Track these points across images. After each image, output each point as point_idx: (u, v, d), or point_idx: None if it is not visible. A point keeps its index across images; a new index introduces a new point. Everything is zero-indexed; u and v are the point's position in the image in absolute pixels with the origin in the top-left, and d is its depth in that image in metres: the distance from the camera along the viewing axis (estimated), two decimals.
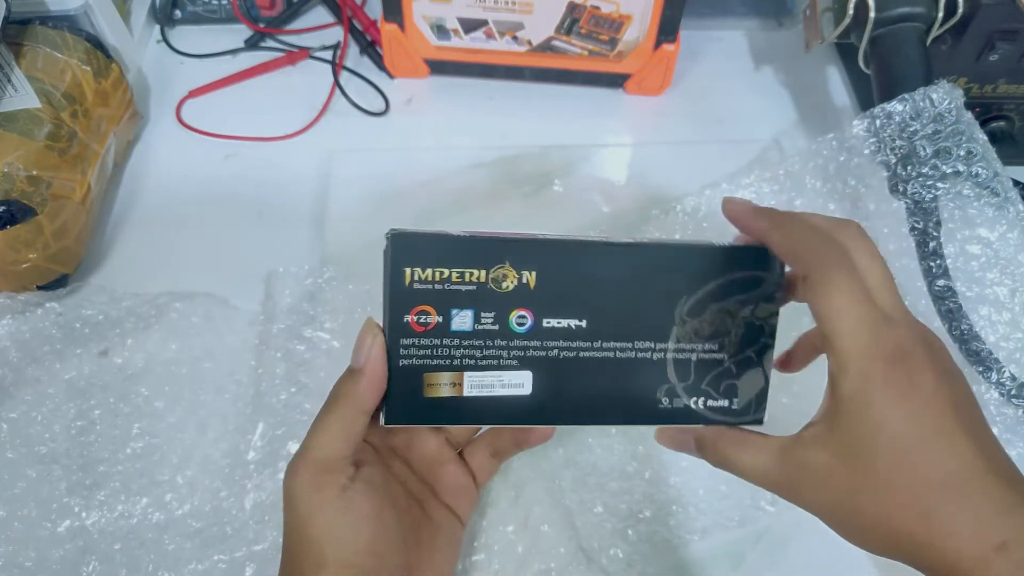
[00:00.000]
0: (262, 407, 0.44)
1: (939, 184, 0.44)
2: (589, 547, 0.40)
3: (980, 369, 0.43)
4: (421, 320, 0.30)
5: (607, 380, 0.32)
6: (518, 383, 0.31)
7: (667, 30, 0.55)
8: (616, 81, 0.60)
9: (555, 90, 0.60)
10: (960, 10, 0.46)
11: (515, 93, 0.60)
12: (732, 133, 0.59)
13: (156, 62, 0.62)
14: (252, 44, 0.63)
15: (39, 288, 0.48)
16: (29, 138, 0.45)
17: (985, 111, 0.54)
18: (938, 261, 0.43)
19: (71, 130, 0.48)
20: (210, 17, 0.64)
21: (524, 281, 0.31)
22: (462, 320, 0.30)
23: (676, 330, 0.32)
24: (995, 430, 0.43)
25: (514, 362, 0.31)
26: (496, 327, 0.31)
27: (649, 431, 0.43)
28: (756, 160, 0.55)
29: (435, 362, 0.30)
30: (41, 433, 0.43)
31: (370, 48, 0.63)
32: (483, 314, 0.30)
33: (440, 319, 0.30)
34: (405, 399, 0.31)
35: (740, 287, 0.32)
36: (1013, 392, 0.42)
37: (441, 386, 0.30)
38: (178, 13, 0.64)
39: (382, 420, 0.31)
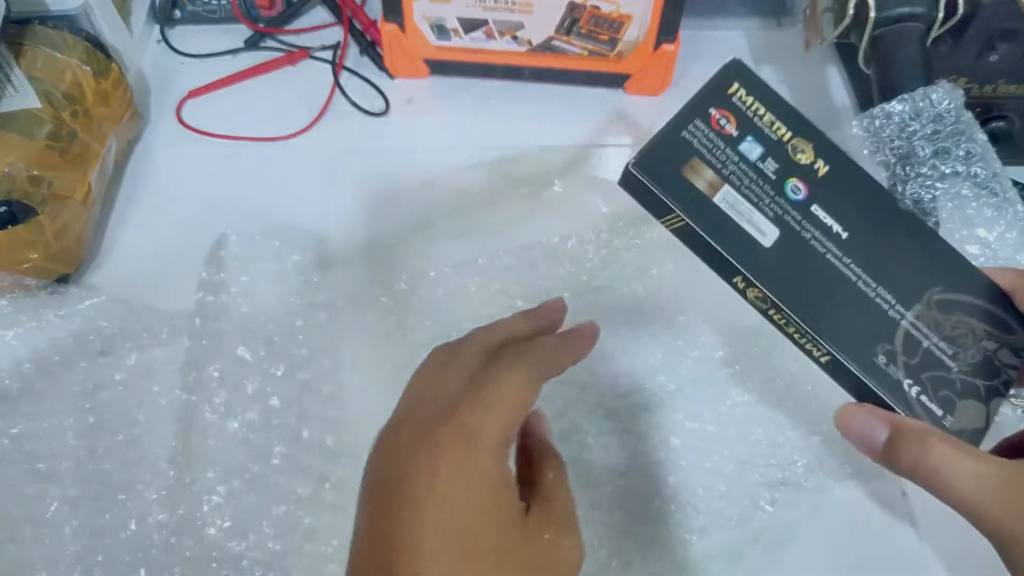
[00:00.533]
0: (264, 426, 0.43)
1: (938, 184, 0.44)
2: (588, 546, 0.40)
3: None
4: (720, 120, 0.32)
5: (839, 296, 0.31)
6: (764, 231, 0.31)
7: (667, 30, 0.55)
8: (616, 81, 0.60)
9: (555, 90, 0.60)
10: (960, 10, 0.46)
11: (515, 93, 0.60)
12: None
13: (156, 62, 0.62)
14: (252, 44, 0.63)
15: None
16: (30, 138, 0.45)
17: (985, 111, 0.54)
18: None
19: (72, 130, 0.48)
20: (210, 17, 0.64)
21: (816, 166, 0.33)
22: (750, 148, 0.32)
23: (920, 308, 0.31)
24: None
25: (770, 213, 0.32)
26: (773, 177, 0.32)
27: (647, 430, 0.44)
28: None
29: (708, 157, 0.32)
30: (43, 449, 0.43)
31: (370, 48, 0.63)
32: (769, 159, 0.32)
33: (735, 133, 0.32)
34: (665, 160, 0.32)
35: (992, 321, 0.32)
36: (1012, 392, 0.42)
37: (700, 177, 0.32)
38: (178, 13, 0.64)
39: (630, 162, 0.32)
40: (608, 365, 0.46)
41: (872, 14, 0.47)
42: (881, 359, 0.30)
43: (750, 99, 0.33)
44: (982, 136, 0.45)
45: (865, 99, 0.58)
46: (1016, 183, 0.49)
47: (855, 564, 0.41)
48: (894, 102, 0.45)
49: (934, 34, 0.47)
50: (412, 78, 0.61)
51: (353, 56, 0.63)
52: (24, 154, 0.45)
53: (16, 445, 0.43)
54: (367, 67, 0.62)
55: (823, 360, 0.31)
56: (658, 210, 0.32)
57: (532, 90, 0.61)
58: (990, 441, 0.31)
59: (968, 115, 0.45)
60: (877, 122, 0.46)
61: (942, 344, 0.31)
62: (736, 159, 0.32)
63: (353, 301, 0.48)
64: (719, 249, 0.31)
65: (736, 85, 0.33)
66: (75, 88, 0.49)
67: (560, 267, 0.49)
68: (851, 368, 0.30)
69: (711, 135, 0.32)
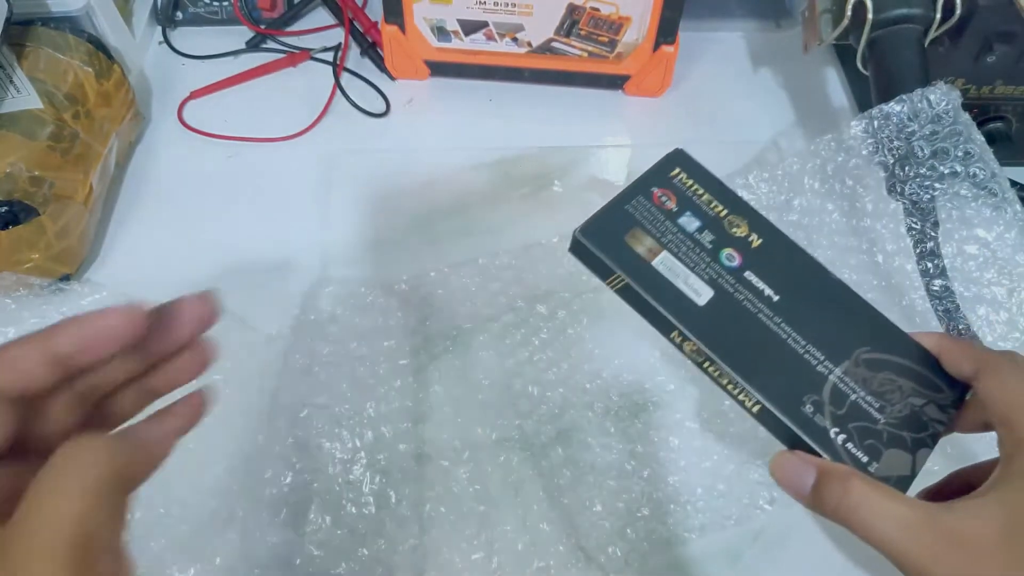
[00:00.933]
0: (271, 424, 0.43)
1: (937, 184, 0.44)
2: (587, 545, 0.40)
3: None
4: (661, 197, 0.36)
5: (769, 351, 0.33)
6: (699, 291, 0.34)
7: (666, 32, 0.55)
8: (615, 82, 0.60)
9: (555, 91, 0.61)
10: (958, 12, 0.46)
11: (515, 94, 0.61)
12: (731, 134, 0.59)
13: (158, 63, 0.63)
14: (253, 45, 0.63)
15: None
16: (31, 139, 0.45)
17: (982, 112, 0.54)
18: (936, 261, 0.43)
19: (73, 131, 0.48)
20: (211, 19, 0.64)
21: (750, 239, 0.36)
22: (689, 221, 0.36)
23: (848, 365, 0.33)
24: None
25: (705, 276, 0.34)
26: (709, 246, 0.35)
27: (647, 430, 0.44)
28: (754, 161, 0.55)
29: (649, 227, 0.35)
30: None
31: (371, 49, 0.63)
32: (706, 231, 0.36)
33: (674, 209, 0.36)
34: (609, 229, 0.35)
35: (919, 380, 0.34)
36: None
37: (640, 244, 0.35)
38: (180, 15, 0.64)
39: (577, 229, 0.35)
40: (608, 365, 0.46)
41: (870, 16, 0.47)
42: (808, 408, 0.32)
43: (690, 181, 0.37)
44: (980, 137, 0.45)
45: (863, 100, 0.58)
46: (1014, 183, 0.49)
47: (853, 563, 0.41)
48: (892, 103, 0.45)
49: (932, 36, 0.48)
50: (412, 79, 0.61)
51: (354, 57, 0.63)
52: (26, 155, 0.45)
53: None
54: (368, 68, 0.63)
55: (754, 410, 0.33)
56: (602, 272, 0.35)
57: (532, 91, 0.61)
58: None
59: (965, 116, 0.45)
60: (876, 123, 0.46)
61: (869, 398, 0.33)
62: (675, 229, 0.35)
63: (366, 327, 0.47)
64: (656, 305, 0.34)
65: (678, 170, 0.37)
66: (77, 89, 0.49)
67: (560, 267, 0.49)
68: (779, 416, 0.32)
69: (652, 209, 0.36)
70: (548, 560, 0.40)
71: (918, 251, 0.44)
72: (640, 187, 0.37)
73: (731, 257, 0.35)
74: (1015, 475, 0.28)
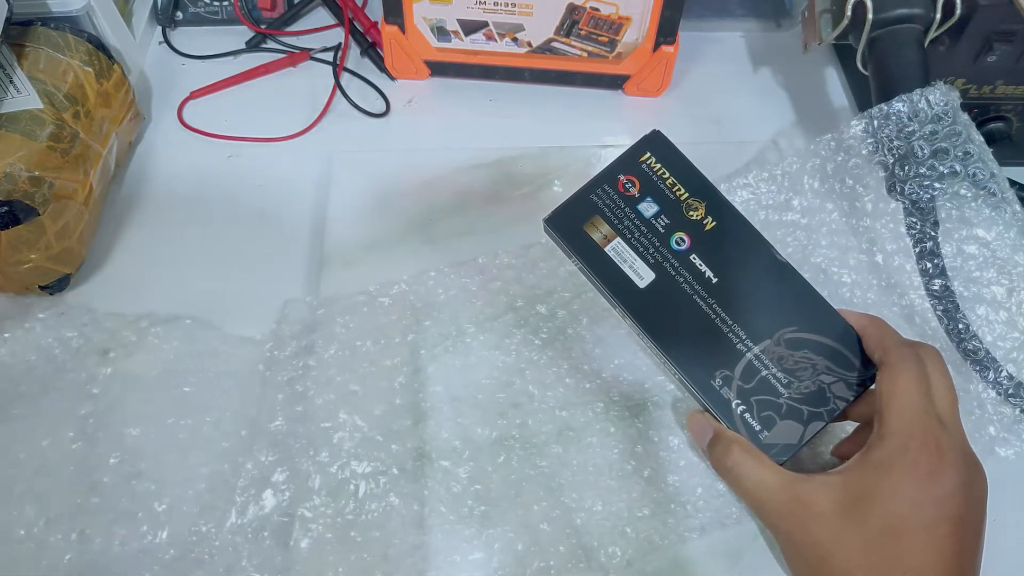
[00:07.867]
0: (257, 432, 0.43)
1: (936, 184, 0.44)
2: (588, 545, 0.40)
3: (977, 368, 0.43)
4: (626, 184, 0.39)
5: (694, 329, 0.37)
6: (641, 275, 0.38)
7: (666, 32, 0.55)
8: (615, 82, 0.60)
9: (555, 91, 0.61)
10: (958, 11, 0.46)
11: (515, 94, 0.61)
12: (730, 134, 0.59)
13: (158, 63, 0.63)
14: (253, 45, 0.63)
15: (41, 288, 0.48)
16: (31, 139, 0.45)
17: (983, 112, 0.54)
18: (935, 261, 0.43)
19: (73, 131, 0.48)
20: (212, 19, 0.64)
21: (704, 222, 0.38)
22: (648, 207, 0.39)
23: (768, 343, 0.37)
24: (991, 430, 0.43)
25: (651, 260, 0.38)
26: (662, 231, 0.38)
27: (646, 430, 0.44)
28: (754, 160, 0.55)
29: (608, 214, 0.39)
30: (21, 470, 0.42)
31: (371, 50, 0.63)
32: (663, 216, 0.39)
33: (636, 195, 0.39)
34: (571, 217, 0.39)
35: (835, 359, 0.37)
36: (1010, 391, 0.42)
37: (597, 231, 0.38)
38: (180, 15, 0.64)
39: (545, 218, 0.39)
40: (608, 365, 0.46)
41: (870, 16, 0.47)
42: (717, 382, 0.37)
43: (658, 165, 0.39)
44: (979, 137, 0.45)
45: (863, 100, 0.58)
46: (1014, 183, 0.49)
47: None
48: (892, 103, 0.45)
49: (932, 35, 0.48)
50: (413, 79, 0.61)
51: (354, 57, 0.63)
52: (26, 155, 0.45)
53: None
54: (368, 68, 0.63)
55: (676, 379, 0.38)
56: (566, 254, 0.39)
57: (532, 91, 0.61)
58: None
59: (965, 116, 0.45)
60: (875, 123, 0.46)
61: (779, 375, 0.37)
62: (632, 216, 0.38)
63: (354, 335, 0.47)
64: (600, 288, 0.38)
65: (648, 154, 0.40)
66: (77, 89, 0.49)
67: (560, 266, 0.49)
68: (690, 387, 0.37)
69: (615, 196, 0.39)
70: (548, 560, 0.40)
71: (918, 251, 0.44)
72: (607, 175, 0.39)
73: (681, 241, 0.38)
74: (866, 464, 0.32)
